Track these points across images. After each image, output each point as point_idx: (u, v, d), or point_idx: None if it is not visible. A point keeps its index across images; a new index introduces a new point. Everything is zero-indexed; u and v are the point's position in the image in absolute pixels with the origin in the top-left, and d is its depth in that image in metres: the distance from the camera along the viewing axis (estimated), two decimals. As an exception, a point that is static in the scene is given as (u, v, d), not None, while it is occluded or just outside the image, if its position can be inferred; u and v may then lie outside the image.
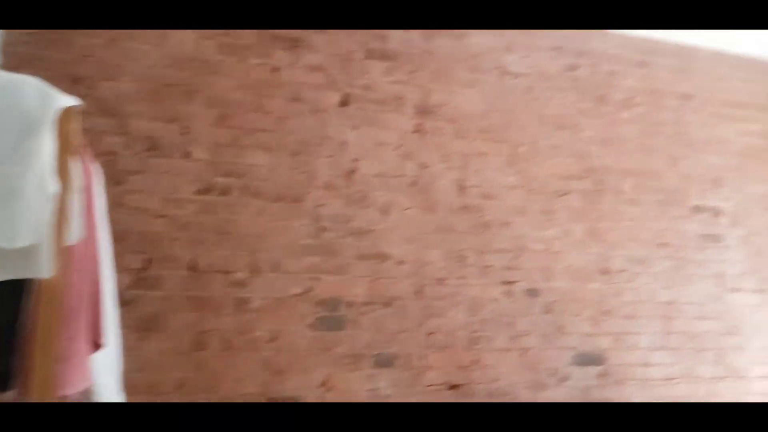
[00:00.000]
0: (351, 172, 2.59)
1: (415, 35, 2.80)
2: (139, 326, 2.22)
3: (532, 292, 2.79)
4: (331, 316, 2.48)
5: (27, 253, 1.20)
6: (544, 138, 2.94)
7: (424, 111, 2.75)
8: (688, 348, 3.02)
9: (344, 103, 2.63)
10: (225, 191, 2.41)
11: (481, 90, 2.87)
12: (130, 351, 1.98)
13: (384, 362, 2.53)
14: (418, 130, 2.72)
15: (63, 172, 1.29)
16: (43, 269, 1.22)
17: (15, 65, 2.12)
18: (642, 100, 3.16)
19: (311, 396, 2.37)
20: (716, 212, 3.21)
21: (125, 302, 2.16)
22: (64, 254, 1.28)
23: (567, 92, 3.01)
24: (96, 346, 1.47)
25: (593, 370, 2.83)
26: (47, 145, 1.23)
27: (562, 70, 3.02)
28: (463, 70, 2.84)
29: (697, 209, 3.18)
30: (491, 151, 2.84)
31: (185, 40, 2.47)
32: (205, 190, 2.39)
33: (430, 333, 2.61)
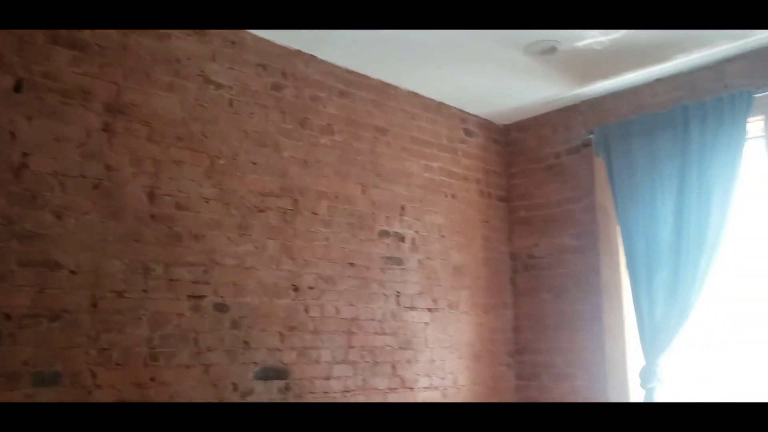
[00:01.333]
0: (20, 168, 2.34)
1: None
2: None
3: (221, 307, 2.79)
4: (-19, 330, 2.19)
5: None
6: (245, 153, 2.98)
7: (115, 109, 2.60)
8: (367, 361, 3.28)
9: (18, 88, 2.37)
10: None
11: (181, 96, 2.81)
12: None
13: (45, 381, 2.31)
14: (106, 129, 2.57)
15: None
16: None
17: None
18: (341, 128, 3.39)
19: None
20: (400, 238, 3.56)
21: None
22: None
23: (270, 110, 3.11)
24: None
25: (277, 384, 2.92)
26: None
27: (267, 87, 3.11)
28: (162, 73, 2.76)
29: (384, 234, 3.49)
30: (188, 160, 2.79)
31: None
32: None
33: (104, 349, 2.45)
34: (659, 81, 3.67)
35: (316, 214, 3.19)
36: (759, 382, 3.32)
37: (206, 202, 2.82)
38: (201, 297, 2.74)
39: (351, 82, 3.47)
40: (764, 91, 3.22)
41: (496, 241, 4.17)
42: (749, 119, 3.25)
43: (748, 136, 3.27)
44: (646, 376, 3.41)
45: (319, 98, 3.31)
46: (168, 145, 2.74)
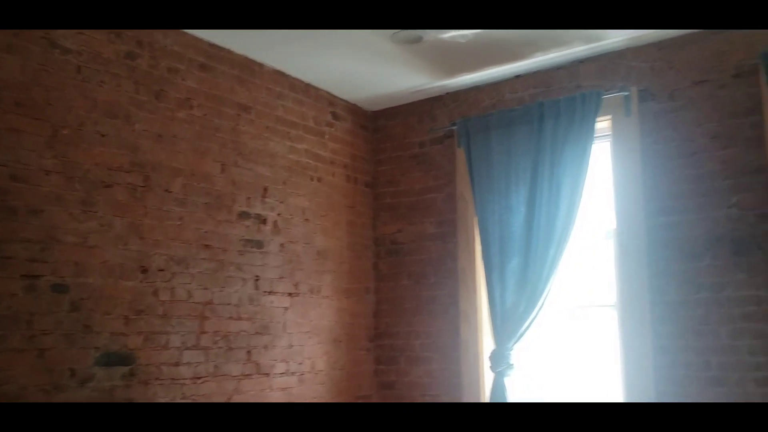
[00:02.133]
0: None
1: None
2: None
3: (60, 288, 2.63)
4: None
5: None
6: (92, 124, 2.82)
7: (-62, 68, 2.37)
8: (220, 347, 3.22)
9: None
10: None
11: (22, 58, 2.61)
12: None
13: None
14: (-72, 89, 2.33)
15: None
16: None
17: None
18: (200, 103, 3.28)
19: None
20: (261, 220, 3.52)
21: None
22: None
23: (123, 80, 2.95)
24: None
25: (120, 370, 2.80)
26: None
27: (119, 56, 2.95)
28: (3, 32, 2.54)
29: (244, 215, 3.43)
30: (28, 129, 2.60)
31: None
32: None
33: None
34: (518, 78, 3.85)
35: (169, 191, 3.08)
36: (600, 372, 3.60)
37: (46, 174, 2.64)
38: (37, 276, 2.57)
39: (213, 56, 3.37)
40: (612, 93, 3.47)
41: (361, 226, 4.23)
42: (598, 118, 3.49)
43: (596, 134, 3.51)
44: (497, 359, 3.60)
45: (177, 70, 3.18)
46: (5, 111, 2.54)
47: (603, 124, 3.56)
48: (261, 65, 3.63)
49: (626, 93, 3.44)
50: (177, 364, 3.02)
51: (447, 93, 4.12)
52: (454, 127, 4.00)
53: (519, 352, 3.62)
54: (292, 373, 3.60)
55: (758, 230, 3.11)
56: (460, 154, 3.97)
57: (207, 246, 3.22)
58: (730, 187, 3.20)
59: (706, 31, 3.29)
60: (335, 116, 4.13)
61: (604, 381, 3.56)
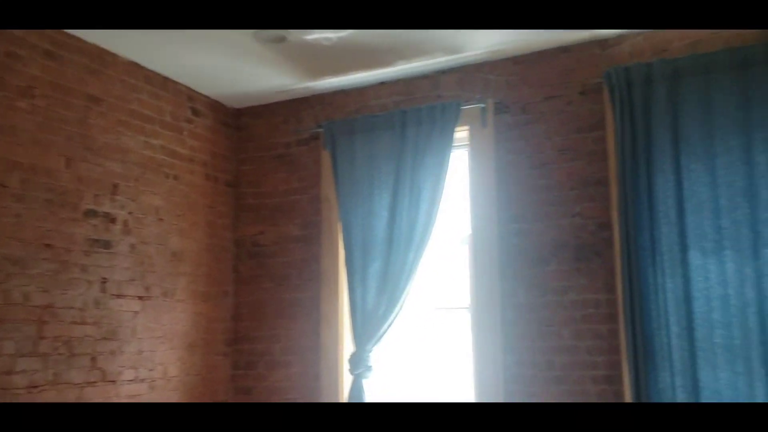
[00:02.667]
0: None
1: None
2: None
3: None
4: None
5: None
6: None
7: None
8: (61, 354, 3.03)
9: None
10: None
11: None
12: None
13: None
14: None
15: None
16: None
17: None
18: (44, 93, 3.07)
19: None
20: (110, 218, 3.34)
21: None
22: None
23: (-48, 63, 2.70)
24: None
25: (-60, 382, 2.55)
26: None
27: (-52, 35, 2.70)
28: None
29: (91, 213, 3.24)
30: None
31: None
32: None
33: None
34: (383, 84, 3.93)
35: (5, 186, 2.86)
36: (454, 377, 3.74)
37: None
38: None
39: (60, 43, 3.16)
40: (470, 104, 3.62)
41: (221, 227, 4.13)
42: (457, 128, 3.63)
43: (455, 143, 3.65)
44: (356, 362, 3.64)
45: (18, 56, 2.96)
46: None
47: (461, 134, 3.70)
48: (114, 56, 3.45)
49: (483, 105, 3.60)
50: (9, 373, 2.80)
51: (313, 95, 4.12)
52: (320, 130, 4.00)
53: (378, 354, 3.68)
54: (142, 380, 3.45)
55: (598, 238, 3.36)
56: (326, 156, 3.99)
57: (48, 245, 3.02)
58: (574, 197, 3.43)
59: (557, 48, 3.52)
60: (195, 112, 4.00)
61: (457, 380, 3.69)
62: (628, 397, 3.16)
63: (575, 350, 3.34)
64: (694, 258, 3.07)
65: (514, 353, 3.45)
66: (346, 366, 3.74)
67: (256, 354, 4.07)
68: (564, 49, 3.52)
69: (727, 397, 2.97)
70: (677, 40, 3.29)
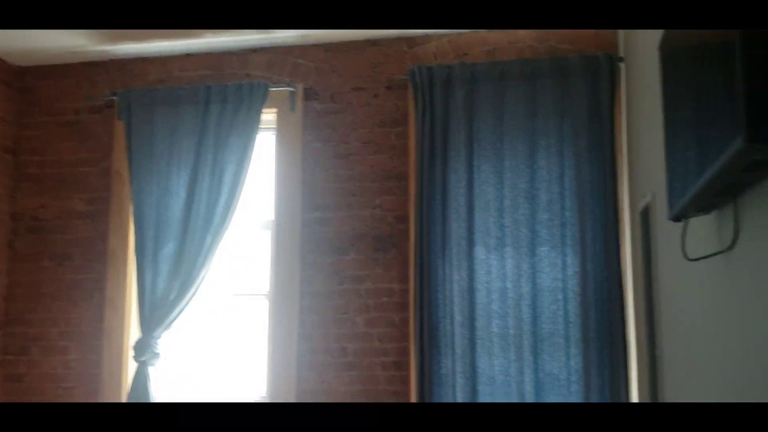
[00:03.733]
0: None
1: None
2: None
3: None
4: None
5: None
6: None
7: None
8: None
9: None
10: None
11: None
12: None
13: None
14: None
15: None
16: None
17: None
18: None
19: None
20: None
21: None
22: None
23: None
24: None
25: None
26: None
27: None
28: None
29: None
30: None
31: None
32: None
33: None
34: (189, 56, 3.76)
35: None
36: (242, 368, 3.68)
37: None
38: None
39: None
40: (280, 87, 3.57)
41: (-6, 197, 3.71)
42: (264, 110, 3.57)
43: (261, 125, 3.58)
44: (142, 349, 3.47)
45: None
46: None
47: (269, 116, 3.65)
48: None
49: (292, 89, 3.57)
50: None
51: (111, 60, 3.83)
52: (115, 98, 3.73)
53: (167, 341, 3.54)
54: None
55: (395, 230, 3.49)
56: (120, 127, 3.73)
57: None
58: (376, 189, 3.52)
59: (365, 41, 3.59)
60: (-33, 65, 3.54)
61: (251, 367, 3.65)
62: (413, 382, 3.32)
63: (368, 337, 3.45)
64: (479, 253, 3.30)
65: (310, 340, 3.48)
66: (131, 353, 3.54)
67: (29, 338, 3.72)
68: (372, 42, 3.59)
69: (499, 382, 3.24)
70: (478, 46, 3.50)
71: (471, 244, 3.32)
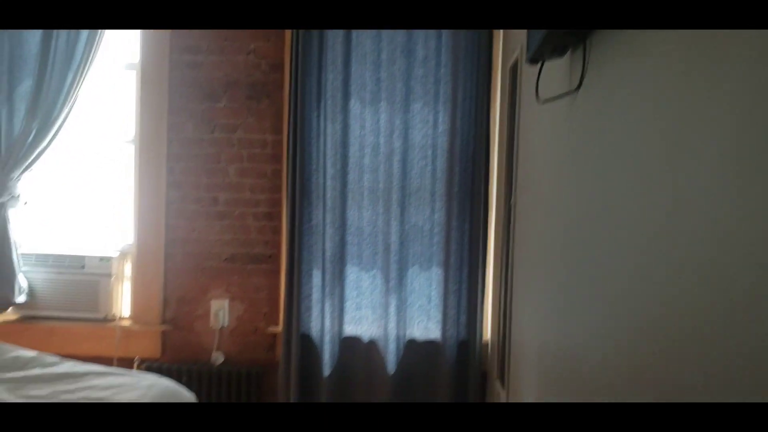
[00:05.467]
0: None
1: None
2: None
3: None
4: None
5: None
6: None
7: None
8: None
9: None
10: None
11: None
12: None
13: None
14: None
15: None
16: None
17: None
18: None
19: None
20: None
21: None
22: None
23: None
24: None
25: None
26: None
27: None
28: None
29: None
30: None
31: None
32: None
33: None
34: None
35: None
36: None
37: None
38: None
39: None
40: None
41: None
42: (130, -62, 3.26)
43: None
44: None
45: None
46: None
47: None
48: None
49: None
50: None
51: None
52: None
53: (28, 185, 3.37)
54: None
55: (270, 78, 3.41)
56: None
57: None
58: (250, 34, 3.39)
59: None
60: None
61: (118, 214, 3.56)
62: (284, 233, 3.38)
63: (239, 187, 3.43)
64: (354, 106, 3.31)
65: (179, 188, 3.43)
66: (-14, 195, 3.35)
67: None
68: None
69: (367, 233, 3.35)
70: None
71: (346, 96, 3.31)
